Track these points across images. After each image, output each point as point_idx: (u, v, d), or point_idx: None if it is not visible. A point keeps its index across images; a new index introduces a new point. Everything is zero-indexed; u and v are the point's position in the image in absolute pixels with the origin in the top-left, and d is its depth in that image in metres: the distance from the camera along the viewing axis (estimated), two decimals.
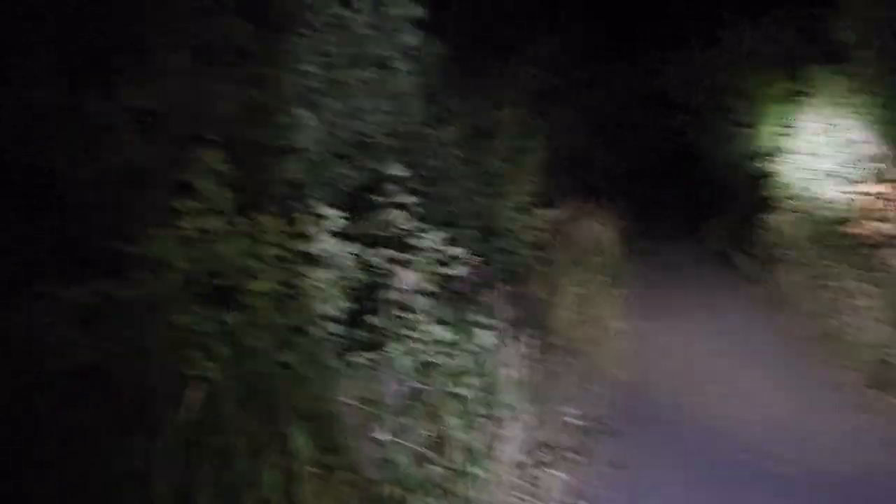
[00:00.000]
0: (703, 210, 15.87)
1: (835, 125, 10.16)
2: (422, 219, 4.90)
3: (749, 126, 14.50)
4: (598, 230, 10.10)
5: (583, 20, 16.87)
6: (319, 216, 4.12)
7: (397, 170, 4.59)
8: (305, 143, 5.01)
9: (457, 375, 4.10)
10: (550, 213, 9.83)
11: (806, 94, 10.73)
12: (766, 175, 11.26)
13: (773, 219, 9.97)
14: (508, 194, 8.07)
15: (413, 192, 6.24)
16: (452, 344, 4.23)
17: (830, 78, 10.37)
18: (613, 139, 16.88)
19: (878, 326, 5.84)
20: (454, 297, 4.98)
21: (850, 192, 8.94)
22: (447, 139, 7.11)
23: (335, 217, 4.13)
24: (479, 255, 7.18)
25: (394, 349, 4.06)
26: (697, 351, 7.02)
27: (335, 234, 4.09)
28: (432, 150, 7.03)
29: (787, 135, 11.28)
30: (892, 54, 10.06)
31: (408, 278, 4.27)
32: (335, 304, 3.93)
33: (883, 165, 9.15)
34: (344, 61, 5.62)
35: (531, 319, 6.09)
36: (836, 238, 8.18)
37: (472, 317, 4.76)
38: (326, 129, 5.46)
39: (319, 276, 3.89)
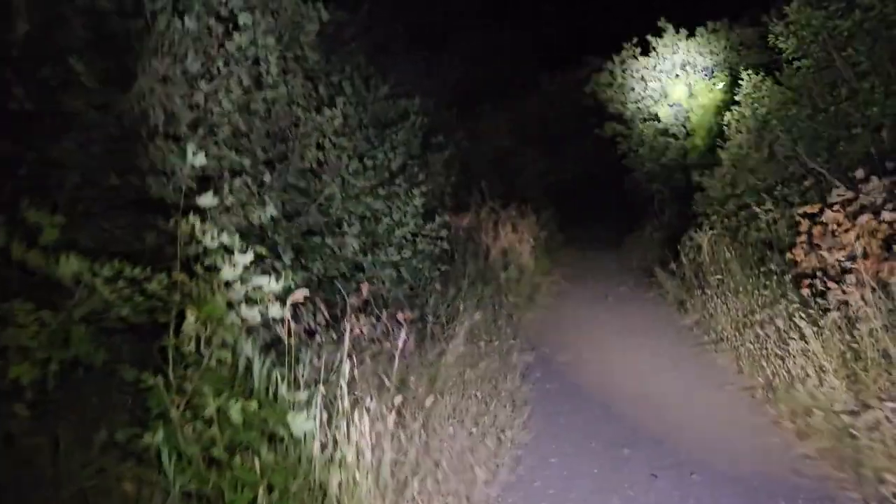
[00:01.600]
0: (630, 222, 14.87)
1: (767, 138, 9.13)
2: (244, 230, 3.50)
3: (681, 138, 13.52)
4: (516, 240, 8.77)
5: (521, 21, 15.68)
6: None
7: (199, 160, 3.12)
8: None
9: None
10: (461, 219, 8.50)
11: (738, 105, 9.65)
12: (696, 189, 10.16)
13: (702, 237, 8.85)
14: (409, 196, 6.70)
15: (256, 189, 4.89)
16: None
17: (765, 88, 9.34)
18: (544, 145, 15.71)
19: (823, 380, 4.70)
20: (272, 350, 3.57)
21: (787, 214, 7.85)
22: (328, 127, 5.69)
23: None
24: (353, 273, 5.81)
25: None
26: (614, 396, 5.74)
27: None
28: (306, 140, 5.60)
29: (719, 147, 10.21)
30: (829, 65, 9.08)
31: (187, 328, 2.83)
32: None
33: (819, 185, 8.12)
34: None
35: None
36: (773, 265, 7.07)
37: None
38: None
39: None
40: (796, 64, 9.05)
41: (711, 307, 7.24)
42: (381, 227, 6.32)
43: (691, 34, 13.85)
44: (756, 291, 6.92)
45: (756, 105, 9.31)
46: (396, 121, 7.65)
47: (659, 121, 13.93)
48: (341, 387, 3.36)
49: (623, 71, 15.03)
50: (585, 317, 8.12)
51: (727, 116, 9.66)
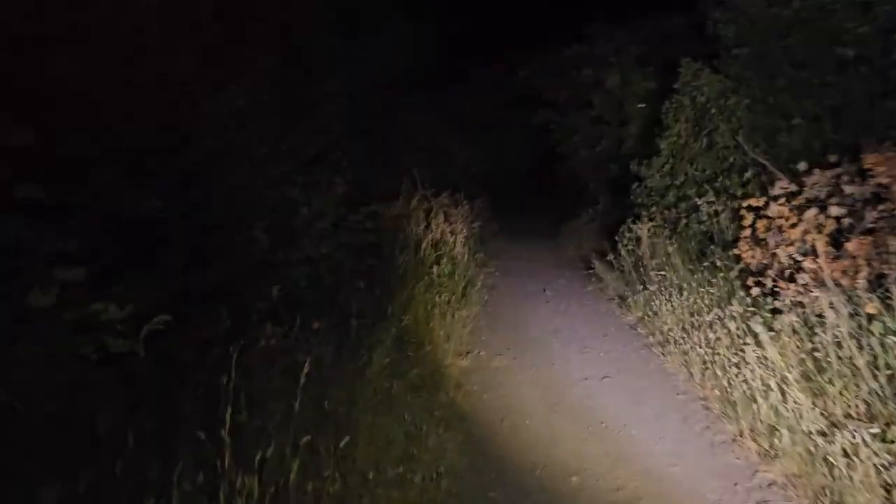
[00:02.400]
0: (564, 211, 14.37)
1: (706, 128, 8.68)
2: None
3: (616, 126, 13.06)
4: (449, 230, 8.05)
5: (448, 9, 14.91)
6: None
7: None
8: None
9: None
10: (388, 210, 7.73)
11: (676, 93, 9.15)
12: (633, 179, 9.65)
13: (641, 228, 8.34)
14: (330, 184, 5.90)
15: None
16: None
17: (703, 77, 8.88)
18: (476, 133, 15.02)
19: (786, 393, 4.17)
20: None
21: (729, 206, 7.39)
22: (231, 107, 4.83)
23: None
24: (263, 273, 4.98)
25: None
26: (554, 408, 5.10)
27: None
28: (205, 122, 4.74)
29: (656, 136, 9.72)
30: (769, 54, 8.69)
31: None
32: None
33: (761, 177, 7.70)
34: None
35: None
36: (718, 260, 6.57)
37: None
38: None
39: None
40: (735, 52, 8.62)
41: (655, 304, 6.70)
42: (297, 219, 5.50)
43: (621, 23, 13.41)
44: (701, 288, 6.41)
45: (695, 93, 8.83)
46: (316, 104, 6.82)
47: (593, 108, 13.44)
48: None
49: (557, 59, 14.51)
50: (523, 314, 7.47)
51: (665, 105, 9.15)
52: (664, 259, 7.69)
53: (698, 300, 6.17)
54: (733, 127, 8.30)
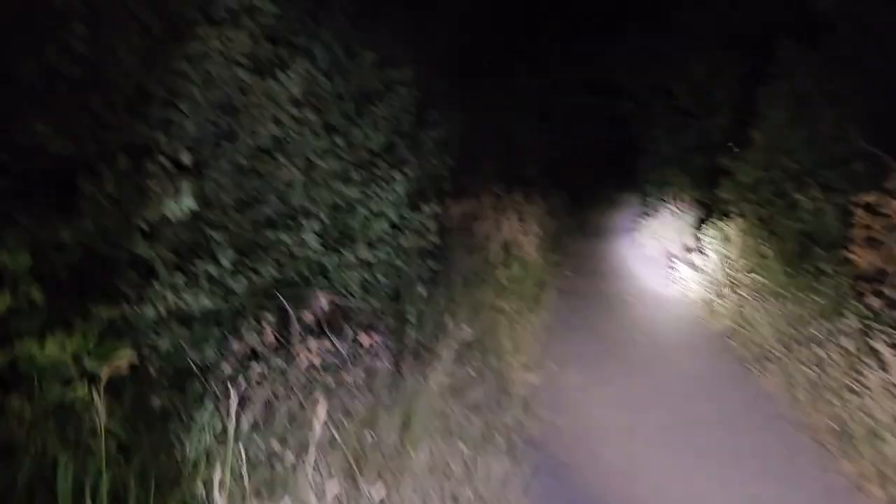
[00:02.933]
0: (643, 206, 13.52)
1: (808, 116, 7.76)
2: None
3: (701, 116, 12.12)
4: (521, 230, 7.46)
5: None
6: None
7: None
8: None
9: None
10: (455, 208, 7.21)
11: (773, 79, 8.24)
12: (721, 172, 8.79)
13: (729, 226, 7.52)
14: (391, 181, 5.41)
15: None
16: None
17: (801, 57, 7.94)
18: (549, 123, 14.29)
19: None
20: None
21: (834, 202, 6.52)
22: (283, 96, 4.40)
23: None
24: (314, 278, 4.53)
25: None
26: (636, 434, 4.47)
27: None
28: (256, 111, 4.32)
29: (748, 126, 8.83)
30: (879, 29, 7.68)
31: None
32: None
33: (872, 169, 6.79)
34: None
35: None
36: (823, 263, 5.77)
37: None
38: None
39: None
40: (840, 28, 7.67)
41: (748, 312, 5.93)
42: (354, 218, 5.03)
43: (708, 6, 12.42)
44: (803, 295, 5.61)
45: (795, 78, 7.91)
46: (382, 93, 6.34)
47: (676, 98, 12.53)
48: None
49: (639, 46, 13.64)
50: (599, 320, 6.81)
51: (759, 92, 8.25)
52: (757, 260, 6.87)
53: (801, 309, 5.38)
54: (840, 113, 7.37)
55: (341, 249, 4.62)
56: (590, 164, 15.01)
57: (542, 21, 14.02)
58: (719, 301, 6.70)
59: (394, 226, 5.32)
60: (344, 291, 4.60)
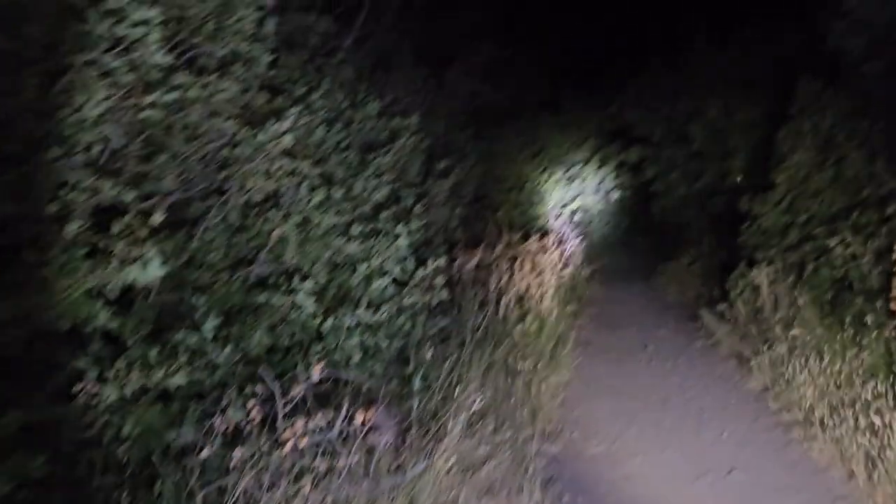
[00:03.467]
0: (661, 252, 12.99)
1: (833, 157, 7.31)
2: None
3: (718, 159, 11.68)
4: (536, 282, 6.99)
5: (539, 36, 13.98)
6: None
7: None
8: None
9: None
10: (467, 258, 6.77)
11: (793, 119, 7.80)
12: (744, 217, 8.30)
13: (759, 275, 6.99)
14: (395, 234, 5.00)
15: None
16: None
17: (826, 98, 7.53)
18: (562, 169, 13.94)
19: None
20: None
21: (871, 247, 6.01)
22: (274, 147, 4.02)
23: None
24: (309, 345, 4.08)
25: None
26: None
27: None
28: (247, 164, 3.94)
29: (770, 169, 8.38)
30: None
31: None
32: None
33: None
34: None
35: None
36: (863, 314, 5.25)
37: None
38: None
39: None
40: (865, 68, 7.25)
41: (787, 369, 5.37)
42: (354, 276, 4.60)
43: (722, 47, 12.11)
44: (848, 352, 5.06)
45: (816, 118, 7.48)
46: (387, 142, 5.98)
47: (691, 142, 12.12)
48: None
49: (651, 89, 13.31)
50: (623, 378, 6.27)
51: (780, 133, 7.81)
52: (791, 311, 6.33)
53: (847, 366, 4.83)
54: (867, 154, 6.91)
55: (339, 311, 4.17)
56: (607, 210, 14.57)
57: (561, 65, 13.79)
58: (752, 355, 6.14)
59: (398, 283, 4.88)
60: (342, 358, 4.13)
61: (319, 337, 4.14)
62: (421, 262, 5.17)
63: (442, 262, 5.14)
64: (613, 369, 6.51)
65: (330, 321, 4.13)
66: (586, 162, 14.27)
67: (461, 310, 5.91)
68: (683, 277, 11.25)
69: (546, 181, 12.98)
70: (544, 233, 10.78)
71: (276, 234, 4.24)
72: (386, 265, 4.80)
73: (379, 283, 4.64)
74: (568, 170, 13.95)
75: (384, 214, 5.27)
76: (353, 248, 4.66)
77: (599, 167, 14.57)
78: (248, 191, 4.11)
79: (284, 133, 4.11)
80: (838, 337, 5.32)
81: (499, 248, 8.49)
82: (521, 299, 6.67)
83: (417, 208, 5.96)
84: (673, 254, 12.33)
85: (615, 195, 14.84)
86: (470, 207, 9.66)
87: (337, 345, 4.12)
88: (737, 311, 7.36)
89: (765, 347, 6.03)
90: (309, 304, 4.04)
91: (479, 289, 6.50)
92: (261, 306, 4.03)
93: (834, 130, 7.24)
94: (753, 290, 7.17)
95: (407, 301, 4.85)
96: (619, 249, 14.29)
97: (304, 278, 4.18)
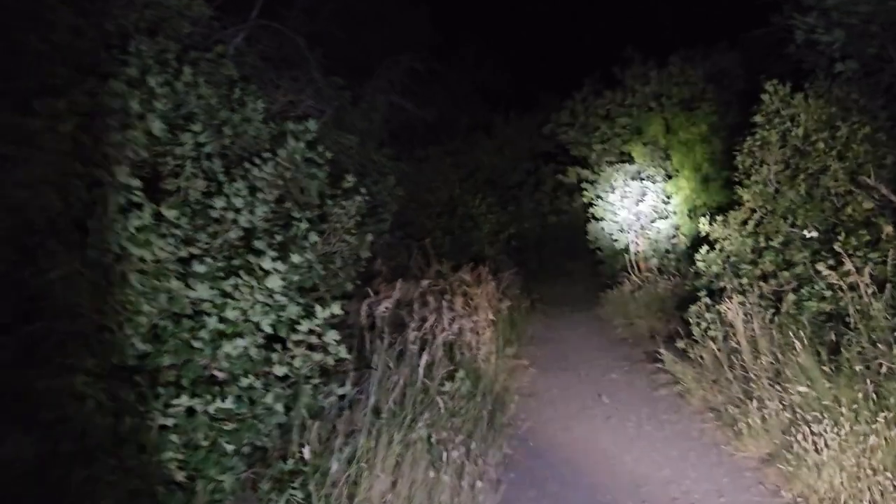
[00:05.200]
0: (602, 279, 11.71)
1: (806, 169, 6.10)
2: None
3: (661, 179, 10.51)
4: (469, 323, 5.44)
5: (473, 56, 12.63)
6: None
7: None
8: None
9: None
10: (384, 296, 5.18)
11: (758, 129, 6.58)
12: (699, 242, 7.02)
13: (729, 308, 5.63)
14: (265, 272, 3.39)
15: None
16: None
17: (798, 103, 6.33)
18: (504, 191, 12.54)
19: None
20: None
21: (866, 274, 4.73)
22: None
23: None
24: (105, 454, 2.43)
25: None
26: None
27: None
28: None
29: (732, 185, 7.15)
30: (886, 65, 6.16)
31: None
32: None
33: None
34: None
35: None
36: (873, 356, 3.93)
37: None
38: None
39: None
40: (838, 68, 6.10)
41: (793, 438, 3.96)
42: (198, 334, 2.97)
43: (663, 64, 11.02)
44: (866, 411, 3.69)
45: (786, 125, 6.26)
46: (266, 149, 4.38)
47: (632, 162, 10.94)
48: None
49: (586, 108, 12.11)
50: (579, 450, 4.75)
51: (744, 145, 6.55)
52: (778, 354, 4.98)
53: (872, 435, 3.45)
54: (849, 166, 5.70)
55: (166, 397, 2.53)
56: (546, 233, 13.22)
57: (496, 85, 12.49)
58: (737, 413, 4.73)
59: (268, 341, 3.25)
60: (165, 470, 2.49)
61: (118, 441, 2.47)
62: (308, 312, 3.55)
63: (336, 308, 3.53)
64: (565, 436, 4.99)
65: (151, 414, 2.48)
66: (521, 184, 12.90)
67: (371, 368, 4.31)
68: (629, 308, 9.94)
69: (479, 205, 11.50)
70: (479, 261, 9.31)
71: (55, 274, 2.58)
72: (249, 316, 3.17)
73: (234, 346, 3.00)
74: (504, 193, 12.55)
75: (260, 244, 3.66)
76: (205, 290, 3.02)
77: (534, 191, 13.24)
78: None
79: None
80: (844, 389, 3.96)
81: (425, 282, 6.94)
82: (450, 347, 5.12)
83: (312, 236, 4.37)
84: (616, 281, 11.07)
85: (552, 219, 13.52)
86: (391, 235, 8.12)
87: (157, 450, 2.46)
88: (701, 349, 6.00)
89: (752, 403, 4.63)
90: (98, 394, 2.38)
91: (397, 336, 4.91)
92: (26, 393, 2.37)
93: (809, 140, 6.02)
94: (723, 325, 5.82)
95: (283, 369, 3.22)
96: (557, 277, 12.96)
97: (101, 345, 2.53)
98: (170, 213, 3.02)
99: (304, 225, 4.32)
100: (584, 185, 12.01)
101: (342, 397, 3.84)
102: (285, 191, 4.65)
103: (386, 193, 7.94)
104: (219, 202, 3.55)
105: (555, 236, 13.52)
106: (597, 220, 11.78)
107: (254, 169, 4.01)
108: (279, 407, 3.13)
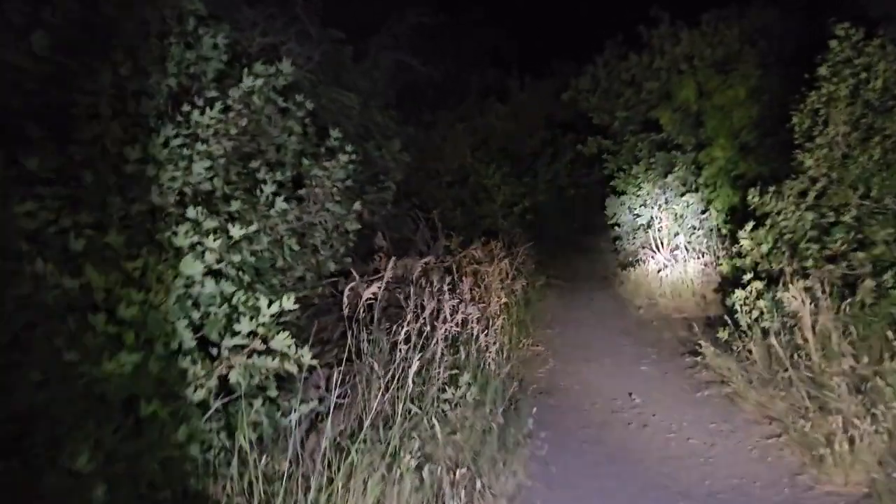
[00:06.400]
0: (622, 255, 10.59)
1: (882, 133, 4.93)
2: None
3: (692, 149, 9.30)
4: (474, 313, 4.35)
5: (487, 15, 11.36)
6: None
7: None
8: None
9: None
10: (362, 282, 4.11)
11: (823, 83, 5.36)
12: (747, 215, 5.88)
13: (794, 296, 4.52)
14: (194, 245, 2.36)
15: None
16: None
17: (873, 50, 5.12)
18: (519, 160, 11.34)
19: None
20: None
21: None
22: None
23: None
24: None
25: None
26: None
27: None
28: None
29: (776, 155, 5.99)
30: None
31: None
32: None
33: None
34: None
35: None
36: None
37: None
38: None
39: None
40: None
41: (890, 464, 2.88)
42: (87, 339, 1.93)
43: (694, 24, 9.72)
44: None
45: (859, 78, 5.06)
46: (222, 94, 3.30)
47: (659, 131, 9.72)
48: None
49: (608, 73, 10.87)
50: (611, 477, 3.69)
51: (810, 99, 5.33)
52: (856, 356, 3.88)
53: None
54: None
55: None
56: (555, 207, 12.03)
57: (511, 46, 11.24)
58: (812, 432, 3.63)
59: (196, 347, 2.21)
60: None
61: None
62: (251, 308, 2.50)
63: (289, 301, 2.47)
64: (595, 453, 3.92)
65: None
66: (538, 154, 11.71)
67: (351, 373, 3.27)
68: (652, 287, 8.86)
69: (493, 175, 10.35)
70: (492, 235, 8.23)
71: None
72: (156, 314, 2.12)
73: (123, 360, 1.95)
74: (519, 163, 11.37)
75: (194, 212, 2.60)
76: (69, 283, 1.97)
77: (551, 161, 12.04)
78: None
79: None
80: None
81: (427, 259, 5.87)
82: (454, 341, 4.06)
83: (279, 203, 3.30)
84: (635, 258, 9.95)
85: (570, 192, 12.34)
86: (395, 206, 7.04)
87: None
88: (750, 341, 4.91)
89: (830, 417, 3.54)
90: None
91: (390, 327, 3.86)
92: None
93: (886, 94, 4.84)
94: (780, 314, 4.72)
95: (202, 390, 2.17)
96: (575, 252, 11.82)
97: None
98: (30, 164, 1.96)
99: (268, 188, 3.25)
100: (605, 156, 10.81)
101: (306, 417, 2.81)
102: (254, 148, 3.59)
103: (390, 158, 6.85)
104: (133, 153, 2.48)
105: (572, 210, 12.35)
106: (618, 194, 10.61)
107: (195, 112, 2.93)
108: (194, 449, 2.10)
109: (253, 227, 2.74)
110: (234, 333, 2.33)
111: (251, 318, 2.35)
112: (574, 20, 11.82)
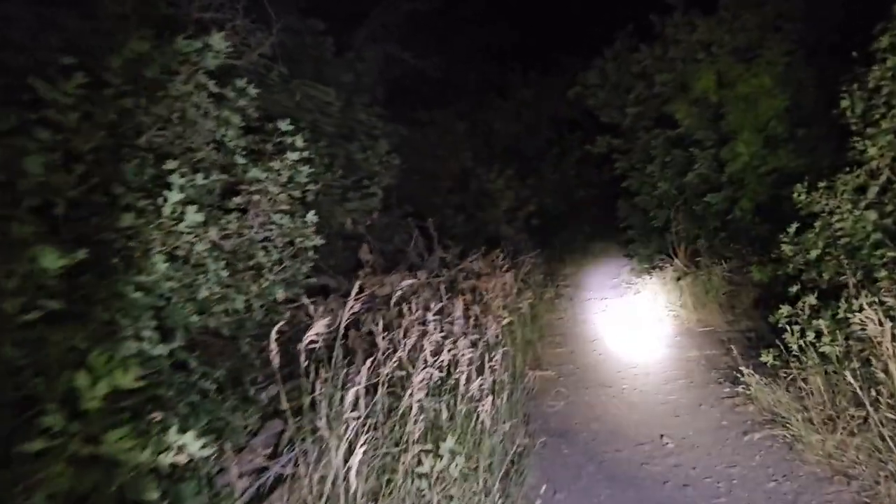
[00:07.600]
0: (643, 266, 9.57)
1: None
2: None
3: (713, 144, 8.28)
4: (465, 353, 3.36)
5: (489, 11, 10.39)
6: None
7: None
8: None
9: None
10: (359, 297, 3.14)
11: (886, 55, 4.34)
12: (792, 214, 4.86)
13: (864, 314, 3.53)
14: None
15: None
16: None
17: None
18: (523, 162, 10.34)
19: None
20: None
21: None
22: None
23: None
24: None
25: None
26: None
27: None
28: None
29: (811, 148, 4.97)
30: None
31: None
32: None
33: None
34: None
35: None
36: None
37: None
38: None
39: None
40: None
41: None
42: None
43: (710, 12, 8.71)
44: None
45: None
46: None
47: (676, 126, 8.71)
48: None
49: (618, 67, 9.90)
50: None
51: (873, 75, 4.31)
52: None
53: None
54: None
55: None
56: (572, 210, 11.03)
57: (514, 43, 10.24)
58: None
59: None
60: None
61: None
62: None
63: (127, 377, 1.52)
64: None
65: None
66: (542, 155, 10.70)
67: (302, 430, 2.32)
68: (671, 296, 7.87)
69: (496, 179, 9.38)
70: (494, 243, 7.27)
71: None
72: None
73: None
74: (523, 164, 10.38)
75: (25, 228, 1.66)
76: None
77: (558, 162, 11.04)
78: None
79: None
80: None
81: (422, 273, 4.92)
82: (438, 388, 3.09)
83: (190, 215, 2.36)
84: (654, 265, 8.95)
85: (578, 194, 11.34)
86: (386, 213, 6.09)
87: None
88: (804, 370, 3.91)
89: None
90: None
91: (369, 360, 2.89)
92: None
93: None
94: (845, 337, 3.72)
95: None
96: (585, 259, 10.82)
97: None
98: None
99: (175, 196, 2.31)
100: (615, 155, 9.83)
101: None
102: (167, 141, 2.66)
103: (376, 161, 5.91)
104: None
105: (581, 213, 11.34)
106: (630, 194, 9.61)
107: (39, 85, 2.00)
108: None
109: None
110: (42, 432, 1.39)
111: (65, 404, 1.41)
112: (581, 11, 10.81)
